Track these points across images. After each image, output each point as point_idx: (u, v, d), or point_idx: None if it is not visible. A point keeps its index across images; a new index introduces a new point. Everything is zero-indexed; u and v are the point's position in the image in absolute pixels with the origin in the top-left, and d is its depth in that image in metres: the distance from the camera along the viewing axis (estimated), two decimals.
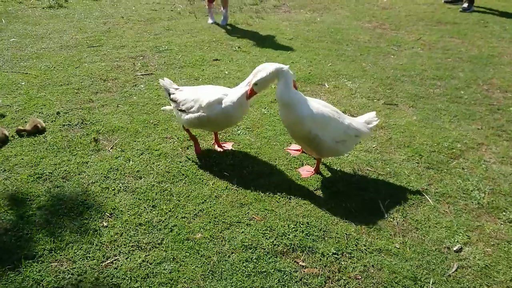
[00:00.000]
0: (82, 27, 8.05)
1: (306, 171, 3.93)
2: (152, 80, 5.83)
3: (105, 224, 3.25)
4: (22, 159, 3.96)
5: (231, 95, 3.77)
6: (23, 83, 5.53)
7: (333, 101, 5.35)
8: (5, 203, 3.40)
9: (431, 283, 2.86)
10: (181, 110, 3.92)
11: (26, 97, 5.15)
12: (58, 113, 4.81)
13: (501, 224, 3.41)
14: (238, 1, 10.47)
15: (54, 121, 4.66)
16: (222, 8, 8.58)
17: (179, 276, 2.83)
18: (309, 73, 6.18)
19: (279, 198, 3.59)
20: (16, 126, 4.46)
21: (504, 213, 3.52)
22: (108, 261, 2.92)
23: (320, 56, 6.89)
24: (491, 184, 3.86)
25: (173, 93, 4.02)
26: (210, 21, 8.60)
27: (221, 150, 4.24)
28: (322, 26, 8.57)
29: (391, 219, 3.42)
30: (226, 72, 6.14)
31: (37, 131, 4.36)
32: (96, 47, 7.01)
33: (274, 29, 8.29)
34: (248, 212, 3.42)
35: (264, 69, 3.52)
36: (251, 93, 3.60)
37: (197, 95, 3.86)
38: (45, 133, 4.40)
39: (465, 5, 9.89)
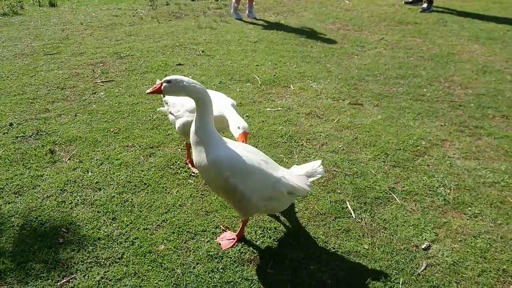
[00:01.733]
0: (39, 35, 7.73)
1: (226, 239, 3.10)
2: (113, 87, 5.62)
3: (60, 240, 3.05)
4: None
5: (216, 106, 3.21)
6: None
7: (298, 103, 5.30)
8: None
9: (401, 283, 2.82)
10: (171, 114, 3.67)
11: None
12: (11, 124, 4.54)
13: (467, 219, 3.42)
14: (202, 5, 10.34)
15: (7, 133, 4.40)
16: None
17: None
18: (274, 75, 6.12)
19: None
20: None
21: (469, 208, 3.54)
22: (64, 280, 2.73)
23: (285, 58, 6.85)
24: (456, 180, 3.89)
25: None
26: (236, 16, 9.17)
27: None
28: (286, 28, 8.56)
29: (359, 220, 3.37)
30: (190, 77, 5.99)
31: None
32: (53, 54, 6.73)
33: (239, 32, 8.21)
34: (213, 220, 3.30)
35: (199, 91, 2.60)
36: (156, 89, 2.61)
37: (185, 98, 3.48)
38: None
39: (425, 5, 10.12)
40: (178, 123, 3.56)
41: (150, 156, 4.09)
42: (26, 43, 7.23)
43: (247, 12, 9.38)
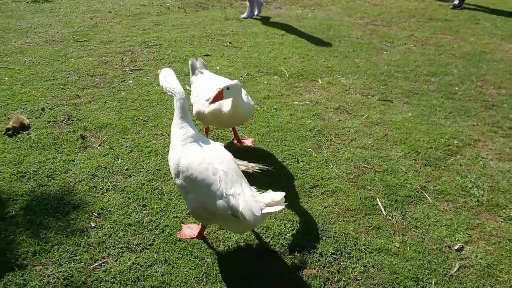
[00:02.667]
0: (68, 22, 7.82)
1: (188, 230, 3.02)
2: (141, 75, 5.65)
3: (92, 224, 3.09)
4: (5, 157, 3.77)
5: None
6: (6, 78, 5.31)
7: (327, 97, 5.24)
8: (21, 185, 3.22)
9: (433, 283, 2.76)
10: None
11: (9, 92, 4.95)
12: (43, 109, 4.61)
13: (501, 222, 3.33)
14: None
15: (39, 117, 4.47)
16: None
17: (172, 279, 2.69)
18: (302, 69, 6.06)
19: None
20: None
21: (504, 210, 3.45)
22: (96, 264, 2.77)
23: (312, 52, 6.78)
24: (489, 181, 3.79)
25: (195, 75, 3.94)
26: (246, 15, 8.62)
27: (241, 145, 4.14)
28: (314, 22, 8.47)
29: (390, 218, 3.32)
30: (218, 68, 5.99)
31: (22, 127, 4.17)
32: (83, 42, 6.80)
33: (266, 24, 8.15)
34: None
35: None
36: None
37: (204, 85, 3.74)
38: (29, 130, 4.21)
39: (456, 2, 9.87)
40: (194, 109, 3.77)
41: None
42: (56, 30, 7.32)
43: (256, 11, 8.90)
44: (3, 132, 4.10)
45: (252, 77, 5.72)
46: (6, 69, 5.59)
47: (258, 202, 2.41)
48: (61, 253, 2.82)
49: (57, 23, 7.71)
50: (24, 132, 4.15)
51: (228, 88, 3.32)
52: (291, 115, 4.77)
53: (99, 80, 5.43)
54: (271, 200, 2.40)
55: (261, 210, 2.37)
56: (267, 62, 6.27)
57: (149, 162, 3.81)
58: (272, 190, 3.41)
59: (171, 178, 3.62)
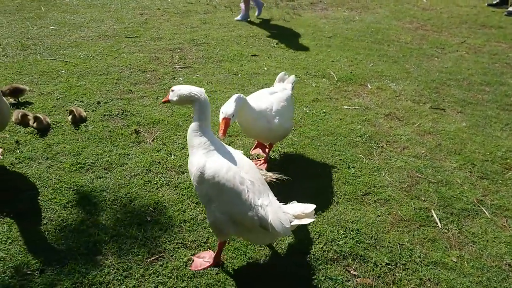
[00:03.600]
0: (119, 18, 8.04)
1: (201, 259, 2.82)
2: (191, 73, 5.74)
3: (148, 218, 3.16)
4: (64, 147, 3.91)
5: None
6: (63, 71, 5.52)
7: (377, 103, 5.16)
8: (48, 191, 3.35)
9: None
10: None
11: (66, 85, 5.13)
12: (98, 102, 4.76)
13: None
14: None
15: (95, 110, 4.61)
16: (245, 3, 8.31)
17: (226, 278, 2.72)
18: (351, 72, 5.99)
19: (326, 202, 3.44)
20: (57, 113, 4.44)
21: None
22: (153, 258, 2.83)
23: (361, 55, 6.69)
24: None
25: None
26: (241, 17, 8.39)
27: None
28: (361, 25, 8.35)
29: (446, 231, 3.23)
30: (265, 68, 6.00)
31: (80, 119, 4.32)
32: (134, 38, 6.97)
33: (312, 26, 8.11)
34: None
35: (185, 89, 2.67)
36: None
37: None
38: (86, 122, 4.35)
39: (511, 9, 9.49)
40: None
41: (230, 145, 4.14)
42: (108, 25, 7.54)
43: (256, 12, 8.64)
44: (68, 114, 4.31)
45: (300, 79, 5.70)
46: (63, 62, 5.80)
47: (286, 213, 2.39)
48: (120, 245, 2.90)
49: (109, 19, 7.94)
50: (82, 124, 4.29)
51: (233, 116, 2.90)
52: (340, 119, 4.73)
53: (150, 76, 5.55)
54: (301, 212, 2.35)
55: (290, 222, 2.34)
56: (315, 64, 6.23)
57: None
58: (324, 196, 3.41)
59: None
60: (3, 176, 3.49)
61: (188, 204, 3.33)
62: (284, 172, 3.74)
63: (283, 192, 3.48)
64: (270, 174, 3.23)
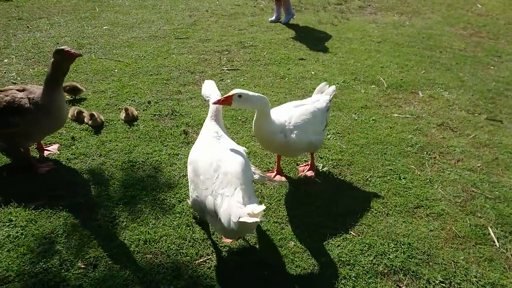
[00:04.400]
0: (169, 19, 8.21)
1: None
2: (238, 75, 5.77)
3: (195, 220, 3.19)
4: (117, 145, 4.02)
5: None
6: (116, 70, 5.69)
7: (428, 112, 4.98)
8: (101, 188, 3.45)
9: None
10: None
11: (119, 84, 5.28)
12: (149, 102, 4.87)
13: None
14: (322, 0, 10.19)
15: (146, 110, 4.72)
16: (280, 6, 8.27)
17: (275, 285, 2.70)
18: (401, 79, 5.82)
19: (376, 213, 3.35)
20: (110, 111, 4.58)
21: None
22: (201, 260, 2.85)
23: (412, 62, 6.49)
24: None
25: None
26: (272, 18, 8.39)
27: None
28: (412, 30, 8.11)
29: (504, 250, 3.07)
30: (313, 73, 5.94)
31: (132, 118, 4.43)
32: (183, 39, 7.09)
33: (361, 30, 7.96)
34: (343, 225, 3.21)
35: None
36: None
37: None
38: (138, 121, 4.46)
39: None
40: None
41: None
42: (158, 26, 7.72)
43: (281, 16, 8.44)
44: (120, 112, 4.46)
45: (349, 85, 5.60)
46: (116, 61, 5.98)
47: (241, 209, 2.34)
48: (169, 245, 2.94)
49: (159, 20, 8.12)
50: (134, 123, 4.40)
51: (240, 96, 2.97)
52: (390, 127, 4.60)
53: (199, 78, 5.63)
54: (251, 211, 2.31)
55: (239, 218, 2.30)
56: (364, 70, 6.11)
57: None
58: (373, 207, 3.32)
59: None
60: (59, 171, 3.63)
61: None
62: (332, 179, 3.71)
63: (331, 200, 3.43)
64: (268, 175, 3.24)
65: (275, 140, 3.29)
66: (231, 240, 2.98)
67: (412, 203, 3.48)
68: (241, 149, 2.88)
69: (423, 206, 3.45)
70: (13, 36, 6.81)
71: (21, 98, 3.37)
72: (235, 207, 2.37)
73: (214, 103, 3.02)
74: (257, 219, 2.27)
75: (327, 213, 3.32)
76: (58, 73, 3.26)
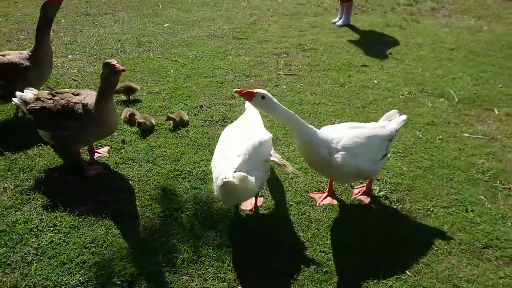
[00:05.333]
0: (230, 17, 8.11)
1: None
2: (295, 81, 5.53)
3: (238, 240, 3.02)
4: (165, 151, 3.95)
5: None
6: (171, 71, 5.66)
7: (505, 133, 4.45)
8: (145, 197, 3.38)
9: None
10: None
11: (173, 85, 5.24)
12: (201, 106, 4.77)
13: None
14: (391, 0, 9.61)
15: (197, 114, 4.62)
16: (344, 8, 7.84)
17: None
18: (474, 93, 5.28)
19: (436, 250, 3.00)
20: (162, 115, 4.53)
21: None
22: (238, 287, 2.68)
23: (488, 73, 5.88)
24: None
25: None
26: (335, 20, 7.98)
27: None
28: (490, 36, 7.39)
29: None
30: (375, 81, 5.56)
31: (181, 123, 4.35)
32: (241, 39, 6.95)
33: (432, 35, 7.38)
34: (398, 261, 2.90)
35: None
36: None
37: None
38: (188, 127, 4.37)
39: None
40: None
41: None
42: (218, 25, 7.64)
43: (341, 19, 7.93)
44: (165, 119, 4.35)
45: (414, 97, 5.16)
46: (173, 61, 5.96)
47: (231, 171, 2.61)
48: (207, 267, 2.80)
49: (220, 18, 8.05)
50: (183, 129, 4.31)
51: (263, 98, 2.85)
52: (459, 149, 4.15)
53: (254, 82, 5.45)
54: (237, 175, 2.57)
55: (226, 178, 2.52)
56: (432, 80, 5.62)
57: (297, 181, 3.63)
58: (434, 242, 2.97)
59: (318, 203, 3.39)
60: (107, 176, 3.62)
61: (287, 232, 3.11)
62: (389, 206, 3.39)
63: (386, 230, 3.11)
64: (285, 162, 3.27)
65: (318, 155, 2.98)
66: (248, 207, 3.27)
67: (479, 241, 3.07)
68: (267, 133, 3.14)
69: (492, 247, 3.03)
70: (80, 31, 7.03)
71: (75, 102, 3.38)
72: (228, 169, 2.63)
73: (237, 91, 2.92)
74: (236, 182, 2.53)
75: (381, 244, 3.02)
76: (107, 84, 3.22)
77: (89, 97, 3.42)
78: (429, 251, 2.98)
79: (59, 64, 5.68)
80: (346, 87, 5.40)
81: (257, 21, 7.97)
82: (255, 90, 2.87)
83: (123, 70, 3.16)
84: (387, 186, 3.62)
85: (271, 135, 3.19)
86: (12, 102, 3.68)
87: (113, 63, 3.12)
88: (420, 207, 3.39)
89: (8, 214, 3.14)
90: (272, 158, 3.07)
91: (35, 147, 3.88)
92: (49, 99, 3.44)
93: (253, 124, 3.25)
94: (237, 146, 2.84)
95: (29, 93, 3.51)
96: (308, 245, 3.00)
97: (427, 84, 5.49)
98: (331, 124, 4.00)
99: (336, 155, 2.97)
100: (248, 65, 5.93)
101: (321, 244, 3.01)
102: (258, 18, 8.14)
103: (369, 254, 2.94)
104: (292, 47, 6.67)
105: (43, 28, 4.09)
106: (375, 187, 3.58)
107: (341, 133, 3.08)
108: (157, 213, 3.22)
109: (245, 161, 2.73)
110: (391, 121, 3.36)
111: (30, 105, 3.42)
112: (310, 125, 2.98)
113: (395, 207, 3.40)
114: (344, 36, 7.26)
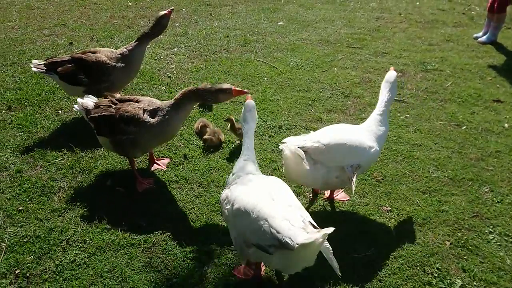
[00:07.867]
0: (351, 20, 7.35)
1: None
2: (400, 111, 4.68)
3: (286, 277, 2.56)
4: (221, 176, 3.61)
5: None
6: (265, 78, 5.27)
7: None
8: (186, 226, 3.11)
9: None
10: None
11: (261, 96, 4.85)
12: (280, 127, 4.31)
13: None
14: None
15: (272, 136, 4.18)
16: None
17: None
18: None
19: None
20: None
21: None
22: None
23: None
24: None
25: None
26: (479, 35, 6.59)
27: None
28: None
29: None
30: (506, 125, 4.40)
31: (218, 143, 3.97)
32: (355, 48, 6.20)
33: None
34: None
35: None
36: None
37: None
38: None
39: None
40: None
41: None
42: (335, 28, 6.97)
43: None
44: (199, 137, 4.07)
45: None
46: (271, 67, 5.56)
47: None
48: None
49: (340, 20, 7.35)
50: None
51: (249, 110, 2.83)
52: None
53: (351, 104, 4.76)
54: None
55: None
56: None
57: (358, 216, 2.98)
58: None
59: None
60: (154, 194, 3.43)
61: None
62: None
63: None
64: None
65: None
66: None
67: None
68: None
69: None
70: (195, 23, 7.05)
71: (137, 108, 3.25)
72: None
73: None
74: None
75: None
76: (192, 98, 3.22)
77: (150, 104, 3.27)
78: None
79: (161, 57, 5.72)
80: (464, 127, 4.38)
81: (382, 27, 7.07)
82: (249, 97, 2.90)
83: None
84: None
85: None
86: (74, 109, 3.70)
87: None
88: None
89: (51, 218, 3.15)
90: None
91: (102, 147, 3.89)
92: (108, 106, 3.35)
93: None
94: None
95: (89, 101, 3.47)
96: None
97: None
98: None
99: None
100: (351, 82, 5.22)
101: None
102: (384, 24, 7.22)
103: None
104: (412, 65, 5.72)
105: (152, 36, 4.08)
106: None
107: None
108: (186, 252, 2.92)
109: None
110: None
111: (91, 114, 3.37)
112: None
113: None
114: (483, 57, 5.99)
